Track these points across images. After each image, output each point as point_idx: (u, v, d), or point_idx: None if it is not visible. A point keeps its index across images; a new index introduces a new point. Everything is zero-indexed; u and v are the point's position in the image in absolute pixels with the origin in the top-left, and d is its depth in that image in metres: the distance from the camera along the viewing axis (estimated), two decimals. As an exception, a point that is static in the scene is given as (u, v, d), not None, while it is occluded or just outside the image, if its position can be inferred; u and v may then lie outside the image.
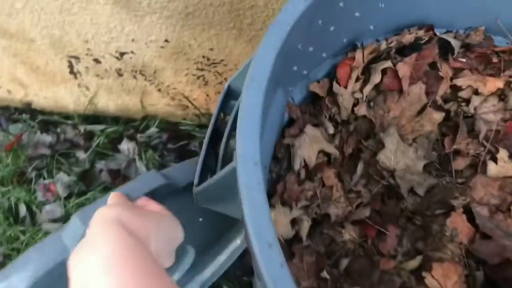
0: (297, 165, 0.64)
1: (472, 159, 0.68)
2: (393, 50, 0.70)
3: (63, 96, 1.17)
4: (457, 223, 0.63)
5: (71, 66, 1.08)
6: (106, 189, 1.11)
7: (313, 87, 0.68)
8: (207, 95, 1.12)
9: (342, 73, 0.68)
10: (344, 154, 0.70)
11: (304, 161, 0.66)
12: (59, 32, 0.98)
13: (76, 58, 1.05)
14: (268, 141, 0.60)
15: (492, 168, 0.66)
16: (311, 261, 0.57)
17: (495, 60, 0.70)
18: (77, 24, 0.95)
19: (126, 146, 1.16)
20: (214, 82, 1.07)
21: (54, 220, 1.08)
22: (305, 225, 0.62)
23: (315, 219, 0.66)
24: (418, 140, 0.70)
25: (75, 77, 1.12)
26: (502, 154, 0.67)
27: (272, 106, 0.58)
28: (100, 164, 1.15)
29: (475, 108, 0.71)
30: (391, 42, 0.70)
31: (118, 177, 1.12)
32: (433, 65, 0.71)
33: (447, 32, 0.73)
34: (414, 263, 0.62)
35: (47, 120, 1.22)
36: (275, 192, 0.63)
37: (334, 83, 0.68)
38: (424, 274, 0.60)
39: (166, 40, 0.97)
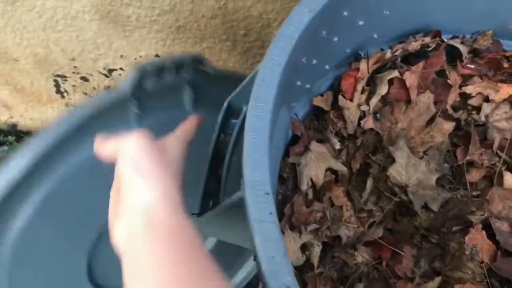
0: (304, 186, 0.60)
1: (487, 170, 0.65)
2: (399, 59, 0.67)
3: (50, 116, 1.12)
4: (477, 240, 0.59)
5: (57, 85, 1.03)
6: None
7: (317, 101, 0.64)
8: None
9: (347, 85, 0.65)
10: (352, 170, 0.66)
11: (311, 180, 0.62)
12: (43, 51, 0.94)
13: (63, 76, 1.01)
14: (274, 163, 0.56)
15: (508, 179, 0.63)
16: (325, 291, 0.53)
17: (505, 65, 0.67)
18: (62, 41, 0.91)
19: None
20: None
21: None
22: (316, 250, 0.58)
23: (325, 243, 0.62)
24: (429, 152, 0.66)
25: (62, 97, 1.07)
26: (519, 164, 0.63)
27: (277, 125, 0.54)
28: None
29: (486, 116, 0.67)
30: (396, 50, 0.67)
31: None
32: (440, 73, 0.68)
33: (454, 37, 0.69)
34: (433, 284, 0.58)
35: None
36: (282, 216, 0.59)
37: (340, 97, 0.64)
38: (441, 295, 0.56)
39: (157, 55, 0.93)
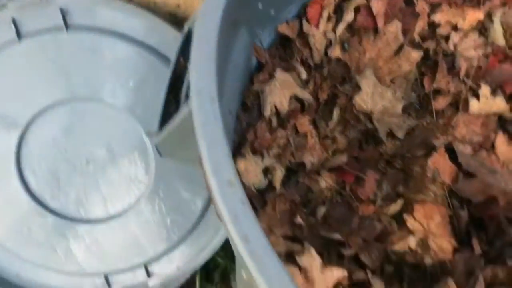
0: (267, 112, 0.60)
1: (453, 97, 0.65)
2: (366, -14, 0.65)
3: None
4: (439, 163, 0.59)
5: None
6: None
7: (282, 29, 0.64)
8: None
9: (313, 12, 0.64)
10: (319, 100, 0.66)
11: (275, 107, 0.62)
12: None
13: None
14: (233, 85, 0.55)
15: (474, 105, 0.63)
16: (284, 209, 0.54)
17: (474, -9, 0.66)
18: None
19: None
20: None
21: None
22: (278, 174, 0.58)
23: (290, 169, 0.62)
24: (396, 81, 0.66)
25: None
26: (485, 90, 0.63)
27: (235, 46, 0.54)
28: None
29: (455, 45, 0.67)
30: (364, -23, 0.66)
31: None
32: (408, 1, 0.67)
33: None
34: (395, 207, 0.59)
35: None
36: (245, 141, 0.59)
37: (304, 22, 0.63)
38: (405, 216, 0.57)
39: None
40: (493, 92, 0.64)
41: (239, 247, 0.34)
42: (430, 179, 0.59)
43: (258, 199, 0.55)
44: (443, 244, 0.55)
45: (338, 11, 0.66)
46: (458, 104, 0.64)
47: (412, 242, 0.56)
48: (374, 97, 0.64)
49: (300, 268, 0.49)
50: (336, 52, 0.66)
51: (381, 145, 0.64)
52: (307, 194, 0.62)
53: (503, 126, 0.64)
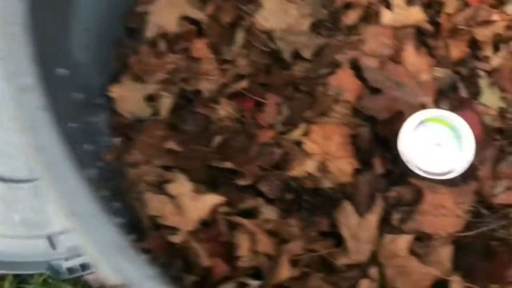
0: (150, 33, 0.54)
1: (365, 10, 0.59)
2: None
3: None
4: (343, 80, 0.54)
5: None
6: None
7: None
8: None
9: None
10: (221, 23, 0.60)
11: (164, 30, 0.56)
12: None
13: None
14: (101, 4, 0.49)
15: (386, 15, 0.57)
16: (160, 135, 0.49)
17: None
18: None
19: None
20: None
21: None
22: (166, 101, 0.53)
23: (187, 98, 0.57)
24: (304, -4, 0.60)
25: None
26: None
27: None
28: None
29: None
30: None
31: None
32: None
33: None
34: (298, 132, 0.54)
35: None
36: (127, 68, 0.54)
37: None
38: (303, 139, 0.52)
39: None
40: (409, 2, 0.58)
41: (33, 158, 0.29)
42: (333, 99, 0.54)
43: (133, 128, 0.50)
44: (343, 166, 0.51)
45: None
46: (371, 19, 0.58)
47: (310, 166, 0.51)
48: (277, 15, 0.58)
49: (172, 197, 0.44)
50: (235, -33, 0.59)
51: (289, 69, 0.59)
52: (207, 125, 0.56)
53: (421, 39, 0.58)
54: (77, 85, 0.44)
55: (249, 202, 0.49)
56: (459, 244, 0.46)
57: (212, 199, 0.44)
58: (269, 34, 0.58)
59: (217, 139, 0.54)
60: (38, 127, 0.30)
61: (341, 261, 0.47)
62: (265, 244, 0.42)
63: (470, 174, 0.49)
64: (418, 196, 0.49)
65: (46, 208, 0.75)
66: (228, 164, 0.51)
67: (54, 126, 0.31)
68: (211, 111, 0.56)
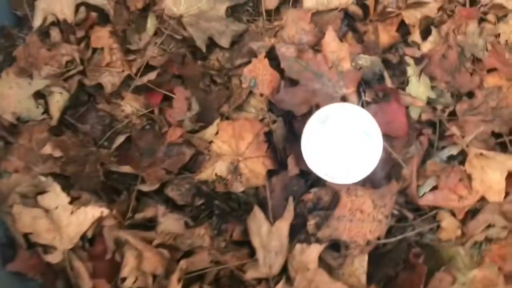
0: (37, 22, 0.48)
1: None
2: None
3: None
4: (257, 70, 0.48)
5: None
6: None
7: None
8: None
9: None
10: (130, 9, 0.54)
11: (57, 18, 0.49)
12: None
13: None
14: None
15: (308, -1, 0.51)
16: (42, 137, 0.43)
17: None
18: None
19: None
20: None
21: None
22: (57, 99, 0.47)
23: (88, 93, 0.51)
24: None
25: None
26: (322, -19, 0.51)
27: None
28: None
29: None
30: None
31: None
32: None
33: None
34: (211, 130, 0.48)
35: None
36: (12, 60, 0.47)
37: None
38: (212, 139, 0.47)
39: None
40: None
41: None
42: (247, 91, 0.48)
43: (13, 131, 0.44)
44: (255, 167, 0.45)
45: None
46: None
47: (221, 168, 0.46)
48: (188, -1, 0.52)
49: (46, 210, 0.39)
50: None
51: (206, 59, 0.53)
52: (109, 123, 0.50)
53: (351, 24, 0.53)
54: None
55: (148, 212, 0.44)
56: (379, 253, 0.42)
57: (95, 212, 0.38)
58: (179, 20, 0.52)
59: (120, 139, 0.48)
60: None
61: (250, 274, 0.42)
62: (150, 263, 0.37)
63: (394, 173, 0.45)
64: (336, 199, 0.44)
65: None
66: (126, 168, 0.46)
67: None
68: (114, 108, 0.50)
